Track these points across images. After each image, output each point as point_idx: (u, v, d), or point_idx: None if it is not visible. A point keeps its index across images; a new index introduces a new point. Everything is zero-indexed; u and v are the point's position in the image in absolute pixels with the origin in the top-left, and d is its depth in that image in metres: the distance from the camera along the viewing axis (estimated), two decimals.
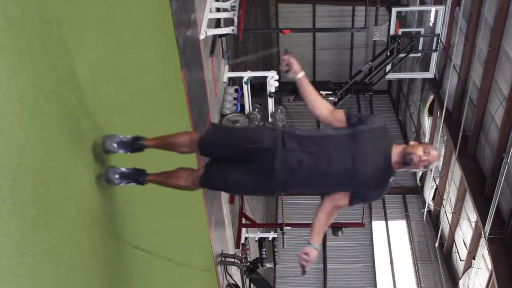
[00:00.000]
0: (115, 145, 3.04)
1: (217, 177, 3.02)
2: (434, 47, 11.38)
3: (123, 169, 3.13)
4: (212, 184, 3.10)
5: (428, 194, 16.37)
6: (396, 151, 2.86)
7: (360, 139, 2.83)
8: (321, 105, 2.93)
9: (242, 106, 9.51)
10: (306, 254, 2.84)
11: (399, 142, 2.99)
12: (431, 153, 2.80)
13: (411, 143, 2.88)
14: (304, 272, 2.86)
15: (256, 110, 9.61)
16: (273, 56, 18.81)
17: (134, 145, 3.11)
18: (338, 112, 2.94)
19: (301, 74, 2.89)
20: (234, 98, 9.26)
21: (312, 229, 2.95)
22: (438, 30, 11.16)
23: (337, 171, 2.81)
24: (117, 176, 3.07)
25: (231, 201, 10.12)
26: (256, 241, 11.21)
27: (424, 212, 16.64)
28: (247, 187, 3.02)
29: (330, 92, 11.48)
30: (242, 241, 10.61)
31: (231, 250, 9.96)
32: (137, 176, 3.16)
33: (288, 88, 10.58)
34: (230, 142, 3.02)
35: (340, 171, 2.81)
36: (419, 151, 2.79)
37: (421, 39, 11.51)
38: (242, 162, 2.96)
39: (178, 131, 3.24)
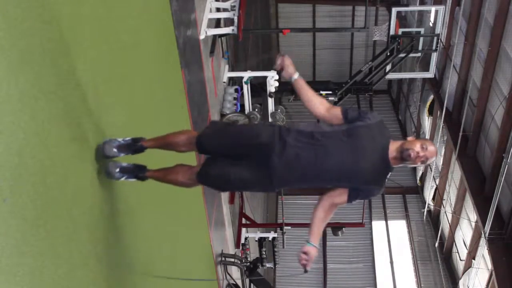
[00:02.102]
0: (115, 149, 3.04)
1: (215, 172, 3.02)
2: (434, 47, 11.38)
3: (124, 164, 3.13)
4: (210, 179, 3.08)
5: (428, 194, 16.36)
6: (393, 146, 2.87)
7: (357, 134, 2.85)
8: (318, 103, 2.96)
9: (242, 106, 9.51)
10: (305, 253, 2.85)
11: (397, 138, 2.99)
12: (429, 149, 2.80)
13: (409, 138, 2.89)
14: (306, 271, 2.86)
15: (256, 110, 9.61)
16: (273, 57, 18.81)
17: (134, 147, 3.11)
18: (335, 109, 2.96)
19: (296, 75, 2.93)
20: (234, 98, 9.26)
21: (311, 228, 2.95)
22: (438, 30, 11.16)
23: (334, 166, 2.83)
24: (117, 170, 3.07)
25: (231, 201, 10.12)
26: (256, 241, 11.21)
27: (424, 212, 16.64)
28: (245, 182, 3.00)
29: (330, 92, 11.48)
30: (242, 241, 10.61)
31: (231, 250, 9.96)
32: (138, 171, 3.16)
33: (288, 88, 10.57)
34: (227, 138, 3.04)
35: (337, 166, 2.83)
36: (417, 146, 2.79)
37: (421, 39, 11.51)
38: (240, 158, 2.97)
39: (177, 130, 3.24)
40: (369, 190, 2.99)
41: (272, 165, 2.85)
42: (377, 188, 2.99)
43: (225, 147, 3.01)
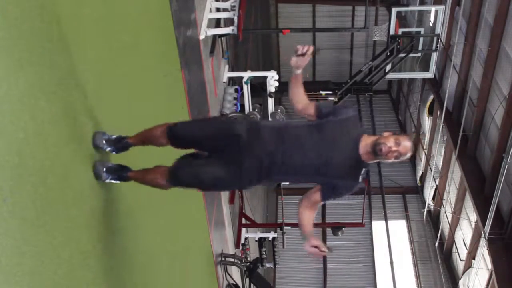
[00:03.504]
0: (104, 142, 3.04)
1: (184, 173, 2.99)
2: (434, 47, 11.39)
3: (110, 164, 3.11)
4: (181, 181, 3.03)
5: (428, 194, 16.37)
6: (366, 141, 2.85)
7: (325, 129, 2.86)
8: (302, 100, 2.98)
9: (242, 106, 9.51)
10: (312, 245, 2.82)
11: (372, 133, 2.99)
12: (402, 144, 2.76)
13: (384, 134, 2.86)
14: (331, 250, 2.87)
15: (256, 110, 9.61)
16: (273, 56, 18.83)
17: (119, 143, 3.10)
18: (310, 105, 2.98)
19: (300, 70, 2.94)
20: (234, 98, 9.26)
21: (301, 226, 2.98)
22: (438, 30, 11.17)
23: (304, 160, 2.84)
24: (104, 169, 3.04)
25: (231, 201, 10.12)
26: (256, 241, 11.21)
27: (424, 212, 16.65)
28: (216, 181, 2.98)
29: (330, 92, 11.50)
30: (242, 241, 10.61)
31: (231, 250, 9.96)
32: (121, 171, 3.13)
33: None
34: (198, 127, 3.06)
35: (305, 159, 2.84)
36: (390, 141, 2.76)
37: (421, 39, 11.53)
38: (211, 151, 2.98)
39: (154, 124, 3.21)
40: (341, 185, 2.96)
41: (243, 161, 2.86)
42: (349, 184, 2.96)
43: (196, 140, 3.00)
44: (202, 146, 3.04)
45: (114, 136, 3.12)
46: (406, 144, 2.78)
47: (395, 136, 2.80)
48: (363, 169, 2.91)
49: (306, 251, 2.87)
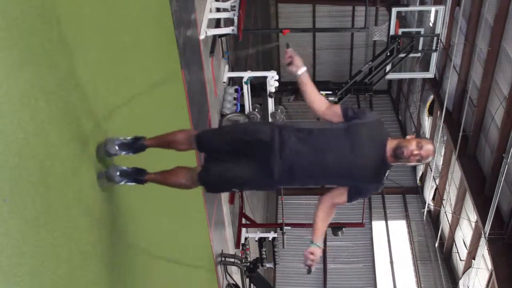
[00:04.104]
0: (117, 147, 3.06)
1: (215, 170, 3.02)
2: (434, 47, 11.38)
3: (124, 168, 3.14)
4: (211, 179, 3.07)
5: (428, 194, 16.36)
6: (390, 144, 2.88)
7: (355, 131, 2.87)
8: (319, 101, 2.98)
9: (242, 106, 9.51)
10: (311, 253, 2.85)
11: (397, 136, 3.01)
12: (425, 147, 2.80)
13: (408, 137, 2.90)
14: (310, 271, 2.87)
15: (256, 110, 9.61)
16: (273, 56, 18.81)
17: (135, 145, 3.12)
18: (335, 107, 2.98)
19: (303, 70, 2.90)
20: (234, 98, 9.26)
21: (314, 228, 2.97)
22: (438, 30, 11.16)
23: (333, 161, 2.84)
24: (118, 173, 3.08)
25: (231, 201, 10.12)
26: (256, 241, 11.21)
27: (424, 212, 16.64)
28: (246, 180, 3.01)
29: (330, 92, 11.49)
30: (242, 241, 10.61)
31: (231, 250, 9.96)
32: (138, 175, 3.16)
33: (288, 88, 10.58)
34: (227, 134, 3.07)
35: (336, 162, 2.85)
36: (412, 144, 2.80)
37: (421, 39, 11.52)
38: (240, 156, 2.98)
39: (177, 129, 3.25)
40: (368, 187, 3.00)
41: (273, 161, 2.86)
42: (376, 186, 3.00)
43: (225, 144, 3.01)
44: (231, 153, 3.03)
45: (129, 138, 3.13)
46: (429, 147, 2.82)
47: (418, 140, 2.83)
48: (387, 171, 2.94)
49: (304, 253, 2.88)
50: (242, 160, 2.97)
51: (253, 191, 13.21)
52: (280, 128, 2.94)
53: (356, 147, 2.84)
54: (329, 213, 3.03)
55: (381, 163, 2.89)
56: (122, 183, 3.13)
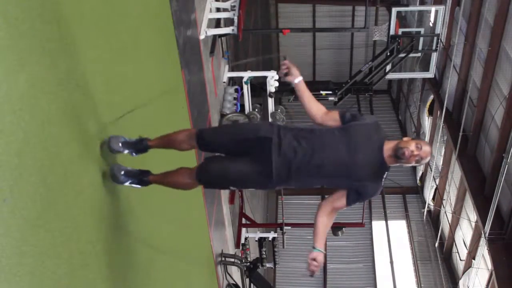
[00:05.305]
0: (121, 144, 3.10)
1: (214, 167, 3.07)
2: (434, 47, 11.37)
3: (129, 168, 3.17)
4: (210, 174, 3.09)
5: (428, 194, 16.36)
6: (388, 146, 2.94)
7: (352, 132, 2.94)
8: (316, 107, 3.07)
9: (242, 106, 9.51)
10: (314, 259, 2.88)
11: (394, 138, 3.07)
12: (423, 149, 2.88)
13: (405, 139, 2.97)
14: (312, 276, 2.90)
15: (256, 110, 9.61)
16: (273, 58, 18.81)
17: (139, 146, 3.16)
18: (333, 113, 3.07)
19: (299, 79, 3.03)
20: (234, 98, 9.26)
21: (315, 233, 3.00)
22: (438, 30, 11.15)
23: (330, 161, 2.90)
24: (122, 173, 3.10)
25: (231, 201, 10.11)
26: (256, 241, 11.21)
27: (424, 212, 16.64)
28: (244, 178, 3.04)
29: (330, 92, 11.48)
30: (242, 241, 10.60)
31: (231, 250, 9.96)
32: (142, 176, 3.19)
33: (288, 88, 10.57)
34: (227, 132, 3.15)
35: (333, 161, 2.90)
36: (412, 145, 2.87)
37: (421, 39, 11.51)
38: (239, 153, 3.03)
39: (178, 129, 3.27)
40: (367, 189, 3.02)
41: (271, 159, 2.91)
42: (374, 187, 3.02)
43: (225, 141, 3.08)
44: (231, 150, 3.08)
45: (134, 138, 3.17)
46: (427, 148, 2.91)
47: (416, 141, 2.91)
48: (386, 172, 2.99)
49: (307, 256, 2.90)
50: (241, 157, 3.02)
51: (253, 191, 13.22)
52: (279, 127, 3.00)
53: (353, 145, 2.89)
54: (330, 218, 3.06)
55: (379, 164, 2.94)
56: (126, 183, 3.15)
